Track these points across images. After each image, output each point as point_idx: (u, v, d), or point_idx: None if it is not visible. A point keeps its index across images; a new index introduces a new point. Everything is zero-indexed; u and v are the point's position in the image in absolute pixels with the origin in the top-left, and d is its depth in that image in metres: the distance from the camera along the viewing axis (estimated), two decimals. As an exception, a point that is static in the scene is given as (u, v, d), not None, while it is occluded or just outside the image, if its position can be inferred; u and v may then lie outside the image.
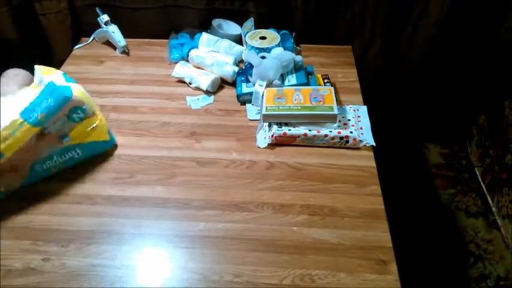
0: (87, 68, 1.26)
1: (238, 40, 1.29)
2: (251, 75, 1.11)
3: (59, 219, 0.84)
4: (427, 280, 1.34)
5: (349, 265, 0.76)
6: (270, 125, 1.01)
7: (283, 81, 1.11)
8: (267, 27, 1.26)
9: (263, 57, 1.11)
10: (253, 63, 1.10)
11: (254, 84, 1.08)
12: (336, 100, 1.01)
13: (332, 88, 1.04)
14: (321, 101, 1.00)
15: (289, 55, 1.11)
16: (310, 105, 0.99)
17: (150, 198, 0.89)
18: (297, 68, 1.14)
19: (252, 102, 1.09)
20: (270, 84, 1.07)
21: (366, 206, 0.86)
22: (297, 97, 1.01)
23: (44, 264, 0.76)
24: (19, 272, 0.75)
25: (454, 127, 1.70)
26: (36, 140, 0.83)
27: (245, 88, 1.12)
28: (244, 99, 1.12)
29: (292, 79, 1.12)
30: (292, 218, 0.84)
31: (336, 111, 0.97)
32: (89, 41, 1.37)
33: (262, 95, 1.04)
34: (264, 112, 0.99)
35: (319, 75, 1.17)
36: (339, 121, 1.00)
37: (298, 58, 1.13)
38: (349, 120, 1.02)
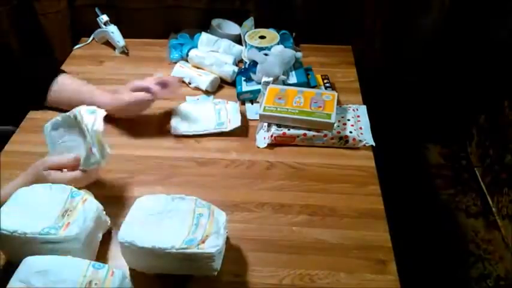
0: (87, 68, 1.26)
1: (238, 40, 1.29)
2: (254, 73, 1.11)
3: (58, 219, 0.84)
4: (427, 280, 1.34)
5: (348, 265, 0.76)
6: (269, 125, 1.01)
7: (287, 78, 1.11)
8: (267, 27, 1.26)
9: (266, 55, 1.11)
10: (257, 60, 1.10)
11: (259, 82, 1.08)
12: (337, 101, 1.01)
13: (336, 94, 1.02)
14: (320, 106, 0.99)
15: (290, 52, 1.11)
16: (309, 110, 0.98)
17: (150, 198, 0.89)
18: (296, 67, 1.14)
19: (258, 99, 1.09)
20: (276, 80, 1.07)
21: (365, 206, 0.86)
22: (297, 100, 1.01)
23: (43, 264, 0.76)
24: (19, 272, 0.75)
25: (454, 127, 1.71)
26: None
27: (245, 86, 1.12)
28: (244, 98, 1.12)
29: (292, 78, 1.12)
30: (292, 218, 0.84)
31: (333, 120, 0.96)
32: (89, 41, 1.37)
33: (264, 93, 1.04)
34: (261, 112, 0.99)
35: (319, 75, 1.17)
36: (338, 121, 1.00)
37: (299, 54, 1.13)
38: (348, 120, 1.02)
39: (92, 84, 1.06)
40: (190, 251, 0.66)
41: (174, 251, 0.66)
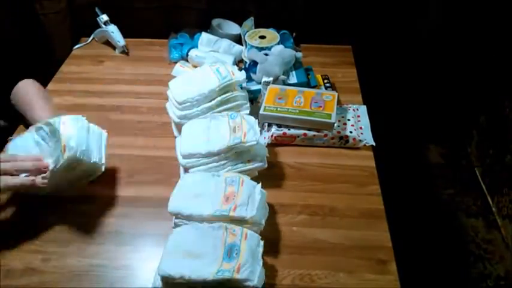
0: (87, 68, 1.26)
1: (238, 40, 1.29)
2: (255, 73, 1.11)
3: (59, 219, 0.84)
4: (427, 280, 1.34)
5: (348, 265, 0.76)
6: (269, 125, 1.00)
7: (287, 78, 1.11)
8: (267, 27, 1.26)
9: (266, 55, 1.11)
10: (257, 60, 1.09)
11: (259, 81, 1.08)
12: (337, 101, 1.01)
13: (336, 94, 1.02)
14: (321, 106, 0.99)
15: (291, 52, 1.11)
16: (309, 110, 0.98)
17: (150, 198, 0.89)
18: (296, 67, 1.14)
19: (259, 99, 1.09)
20: (276, 80, 1.07)
21: (365, 206, 0.86)
22: (298, 99, 1.01)
23: (44, 264, 0.76)
24: (19, 272, 0.75)
25: (454, 127, 1.71)
26: None
27: (245, 86, 1.12)
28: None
29: (292, 78, 1.12)
30: (292, 218, 0.84)
31: (333, 120, 0.96)
32: (89, 41, 1.37)
33: (265, 93, 1.04)
34: (261, 112, 0.99)
35: (319, 75, 1.17)
36: (338, 120, 1.00)
37: (299, 54, 1.13)
38: (348, 120, 1.02)
39: (42, 99, 0.99)
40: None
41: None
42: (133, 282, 0.74)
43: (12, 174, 0.76)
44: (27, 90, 1.01)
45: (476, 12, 1.31)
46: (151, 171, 0.94)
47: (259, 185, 0.79)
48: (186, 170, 0.88)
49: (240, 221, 0.74)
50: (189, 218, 0.76)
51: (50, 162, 0.78)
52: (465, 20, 1.33)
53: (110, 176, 0.92)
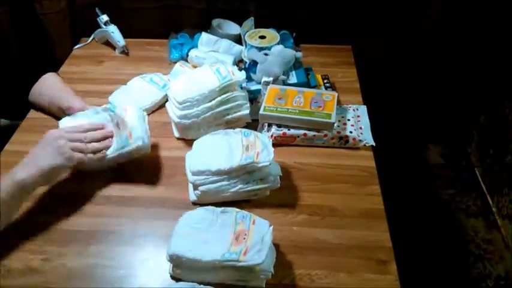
0: (87, 68, 1.26)
1: (238, 40, 1.29)
2: (255, 73, 1.11)
3: (59, 219, 0.84)
4: (427, 280, 1.34)
5: (348, 265, 0.76)
6: (269, 125, 1.01)
7: (287, 78, 1.10)
8: (267, 27, 1.26)
9: (266, 55, 1.11)
10: (257, 60, 1.09)
11: (259, 81, 1.08)
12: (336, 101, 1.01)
13: (336, 94, 1.02)
14: (320, 106, 0.99)
15: (291, 52, 1.11)
16: (309, 110, 0.98)
17: (150, 198, 0.89)
18: (296, 67, 1.14)
19: (258, 99, 1.09)
20: (276, 80, 1.07)
21: (365, 206, 0.86)
22: (297, 100, 1.01)
23: (43, 264, 0.76)
24: (19, 272, 0.75)
25: (454, 127, 1.71)
26: None
27: (245, 86, 1.12)
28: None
29: (292, 78, 1.12)
30: (292, 218, 0.84)
31: (333, 120, 0.96)
32: (89, 41, 1.37)
33: (264, 93, 1.04)
34: (261, 112, 0.99)
35: (319, 75, 1.17)
36: (338, 121, 1.00)
37: (299, 54, 1.13)
38: (348, 120, 1.02)
39: (70, 88, 1.06)
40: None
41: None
42: (133, 282, 0.74)
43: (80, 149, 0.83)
44: (54, 81, 1.07)
45: (476, 12, 1.31)
46: (152, 171, 0.94)
47: (271, 227, 0.72)
48: (196, 187, 0.84)
49: (250, 268, 0.68)
50: (193, 262, 0.69)
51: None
52: (465, 20, 1.33)
53: (110, 176, 0.92)
